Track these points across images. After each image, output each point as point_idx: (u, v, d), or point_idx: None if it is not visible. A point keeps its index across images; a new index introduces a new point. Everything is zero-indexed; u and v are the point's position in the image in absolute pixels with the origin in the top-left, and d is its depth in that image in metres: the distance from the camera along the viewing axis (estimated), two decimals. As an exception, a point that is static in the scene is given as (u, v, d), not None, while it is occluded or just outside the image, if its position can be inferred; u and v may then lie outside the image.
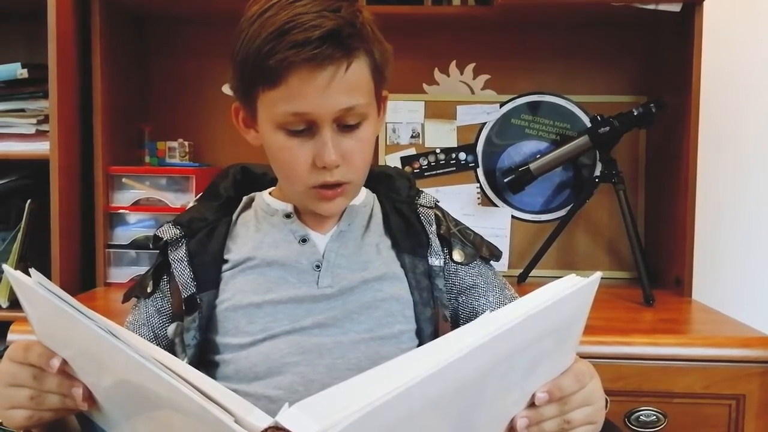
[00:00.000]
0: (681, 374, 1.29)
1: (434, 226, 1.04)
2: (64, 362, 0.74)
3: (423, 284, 1.00)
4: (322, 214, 0.98)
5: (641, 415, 1.30)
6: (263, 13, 0.89)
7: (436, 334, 0.99)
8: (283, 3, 0.88)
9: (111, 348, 0.65)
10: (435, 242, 1.03)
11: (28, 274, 0.73)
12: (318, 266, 0.97)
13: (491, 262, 1.07)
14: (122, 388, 0.70)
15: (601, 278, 0.74)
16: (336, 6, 0.88)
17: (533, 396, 0.72)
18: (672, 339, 1.32)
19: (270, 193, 1.06)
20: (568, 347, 0.75)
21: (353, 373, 0.88)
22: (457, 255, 1.03)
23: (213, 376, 0.95)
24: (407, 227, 1.03)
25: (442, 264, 1.02)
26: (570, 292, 0.68)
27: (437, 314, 1.00)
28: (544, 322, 0.67)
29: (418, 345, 0.98)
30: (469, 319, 1.02)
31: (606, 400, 0.82)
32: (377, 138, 1.88)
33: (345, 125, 0.91)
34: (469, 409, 0.65)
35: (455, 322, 1.02)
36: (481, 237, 1.08)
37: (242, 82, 0.93)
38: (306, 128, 0.90)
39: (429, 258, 1.02)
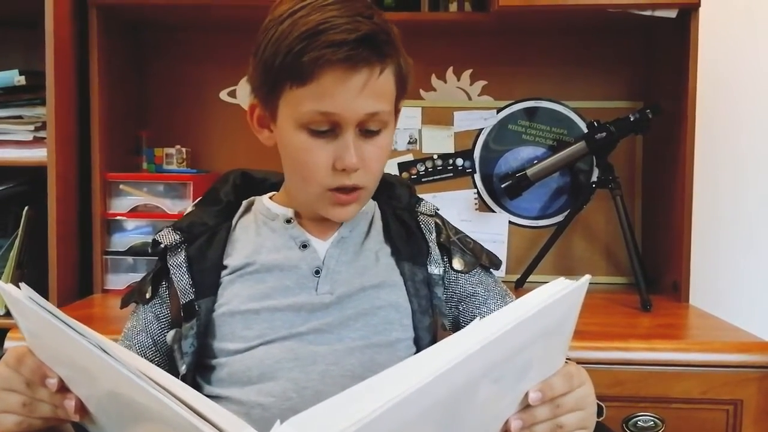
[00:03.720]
0: (678, 379, 1.29)
1: (434, 234, 1.04)
2: (60, 379, 0.74)
3: (422, 293, 1.00)
4: (333, 219, 0.98)
5: (639, 420, 1.30)
6: (294, 13, 0.89)
7: (434, 343, 0.98)
8: (315, 5, 0.88)
9: (102, 363, 0.65)
10: (435, 250, 1.03)
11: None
12: (318, 272, 0.97)
13: (491, 270, 1.08)
14: (114, 402, 0.70)
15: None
16: (368, 13, 0.89)
17: (525, 398, 0.72)
18: (669, 344, 1.32)
19: (270, 198, 1.06)
20: (559, 350, 0.75)
21: (347, 379, 0.89)
22: (457, 263, 1.03)
23: (208, 379, 0.95)
24: (407, 235, 1.04)
25: (441, 272, 1.02)
26: (560, 296, 0.69)
27: (436, 323, 1.00)
28: (534, 327, 0.67)
29: (416, 354, 0.97)
30: (469, 328, 1.02)
31: (601, 406, 0.82)
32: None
33: (367, 130, 0.92)
34: (461, 413, 0.65)
35: (455, 331, 1.02)
36: (481, 245, 1.08)
37: (267, 79, 0.92)
38: (329, 129, 0.91)
39: (428, 266, 1.02)
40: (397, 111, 0.99)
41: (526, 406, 0.73)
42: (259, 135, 1.00)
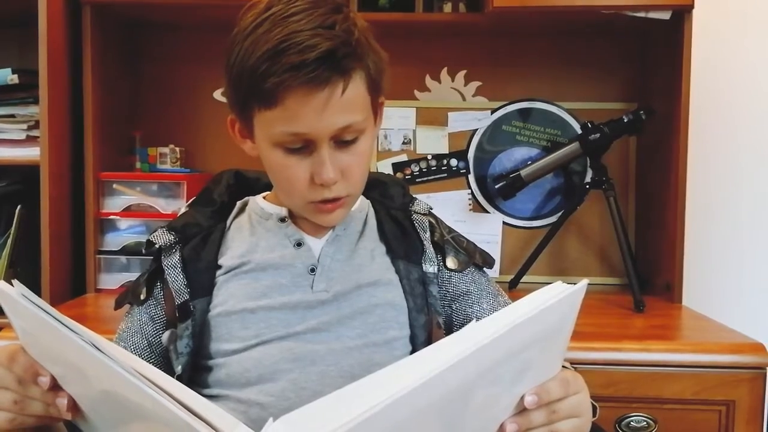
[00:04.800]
0: (671, 380, 1.29)
1: (428, 233, 1.04)
2: (52, 377, 0.74)
3: (417, 291, 1.00)
4: (322, 225, 0.98)
5: (632, 421, 1.30)
6: (257, 27, 0.87)
7: (429, 341, 0.99)
8: (276, 17, 0.87)
9: (95, 361, 0.64)
10: (429, 249, 1.03)
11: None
12: (313, 270, 0.97)
13: (484, 269, 1.08)
14: (107, 400, 0.70)
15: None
16: (330, 21, 0.87)
17: (521, 402, 0.72)
18: (662, 345, 1.33)
19: (264, 198, 1.06)
20: (556, 354, 0.75)
21: (345, 380, 0.89)
22: (451, 262, 1.03)
23: (205, 380, 0.95)
24: (402, 233, 1.03)
25: (435, 271, 1.02)
26: (556, 300, 0.68)
27: (431, 321, 1.00)
28: (530, 331, 0.67)
29: (412, 351, 0.98)
30: (462, 326, 1.01)
31: (595, 407, 0.82)
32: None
33: (342, 141, 0.91)
34: (457, 417, 0.65)
35: (449, 329, 1.02)
36: (474, 244, 1.08)
37: (238, 99, 0.92)
38: (303, 146, 0.90)
39: (423, 264, 1.02)
40: (379, 106, 0.98)
41: (521, 410, 0.72)
42: (243, 146, 1.00)
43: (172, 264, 0.99)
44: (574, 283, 0.71)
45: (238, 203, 1.07)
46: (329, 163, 0.89)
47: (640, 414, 1.30)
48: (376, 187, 1.08)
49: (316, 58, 0.84)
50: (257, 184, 1.10)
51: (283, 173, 0.93)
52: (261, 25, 0.87)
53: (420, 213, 1.06)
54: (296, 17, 0.86)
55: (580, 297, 0.72)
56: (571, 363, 0.82)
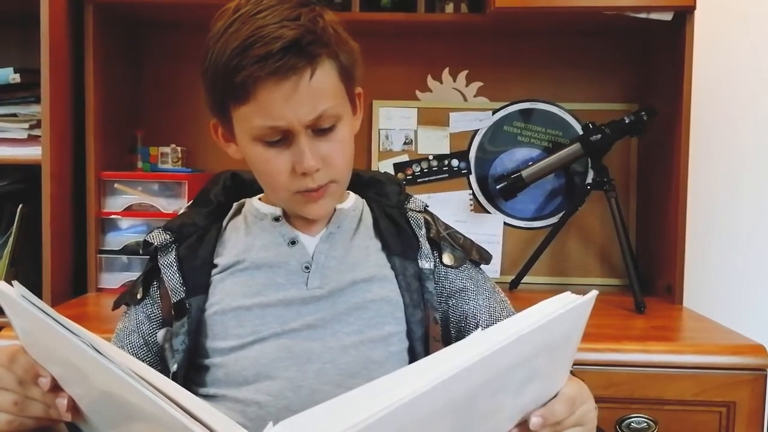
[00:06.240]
0: (672, 381, 1.29)
1: (424, 230, 1.05)
2: (52, 378, 0.74)
3: (413, 286, 1.00)
4: (309, 217, 0.99)
5: (632, 422, 1.30)
6: (227, 28, 0.90)
7: (426, 337, 0.99)
8: (245, 17, 0.89)
9: (94, 362, 0.65)
10: (425, 245, 1.03)
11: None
12: (307, 267, 0.98)
13: (481, 265, 1.08)
14: (107, 401, 0.70)
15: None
16: (296, 14, 0.89)
17: (525, 411, 0.72)
18: (663, 346, 1.33)
19: (260, 199, 1.06)
20: (562, 365, 0.75)
21: (342, 377, 0.89)
22: (447, 258, 1.03)
23: (203, 379, 0.95)
24: (398, 231, 1.04)
25: (432, 267, 1.02)
26: (564, 311, 0.68)
27: (428, 317, 1.00)
28: (537, 341, 0.67)
29: (409, 347, 0.98)
30: (459, 322, 1.03)
31: (595, 408, 0.82)
32: (370, 144, 1.90)
33: (319, 129, 0.92)
34: (460, 425, 0.65)
35: (446, 325, 1.03)
36: (471, 241, 1.09)
37: (215, 99, 0.94)
38: (282, 138, 0.91)
39: (419, 261, 1.02)
40: (356, 96, 0.99)
41: (524, 420, 0.73)
42: (227, 150, 1.01)
43: (168, 263, 0.99)
44: (580, 288, 0.71)
45: (235, 204, 1.08)
46: (308, 151, 0.91)
47: (641, 415, 1.30)
48: (372, 186, 1.09)
49: (281, 48, 0.86)
50: (254, 185, 1.10)
51: (264, 167, 0.94)
52: (231, 26, 0.90)
53: (415, 210, 1.07)
54: (263, 14, 0.89)
55: (589, 308, 0.73)
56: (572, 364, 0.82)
